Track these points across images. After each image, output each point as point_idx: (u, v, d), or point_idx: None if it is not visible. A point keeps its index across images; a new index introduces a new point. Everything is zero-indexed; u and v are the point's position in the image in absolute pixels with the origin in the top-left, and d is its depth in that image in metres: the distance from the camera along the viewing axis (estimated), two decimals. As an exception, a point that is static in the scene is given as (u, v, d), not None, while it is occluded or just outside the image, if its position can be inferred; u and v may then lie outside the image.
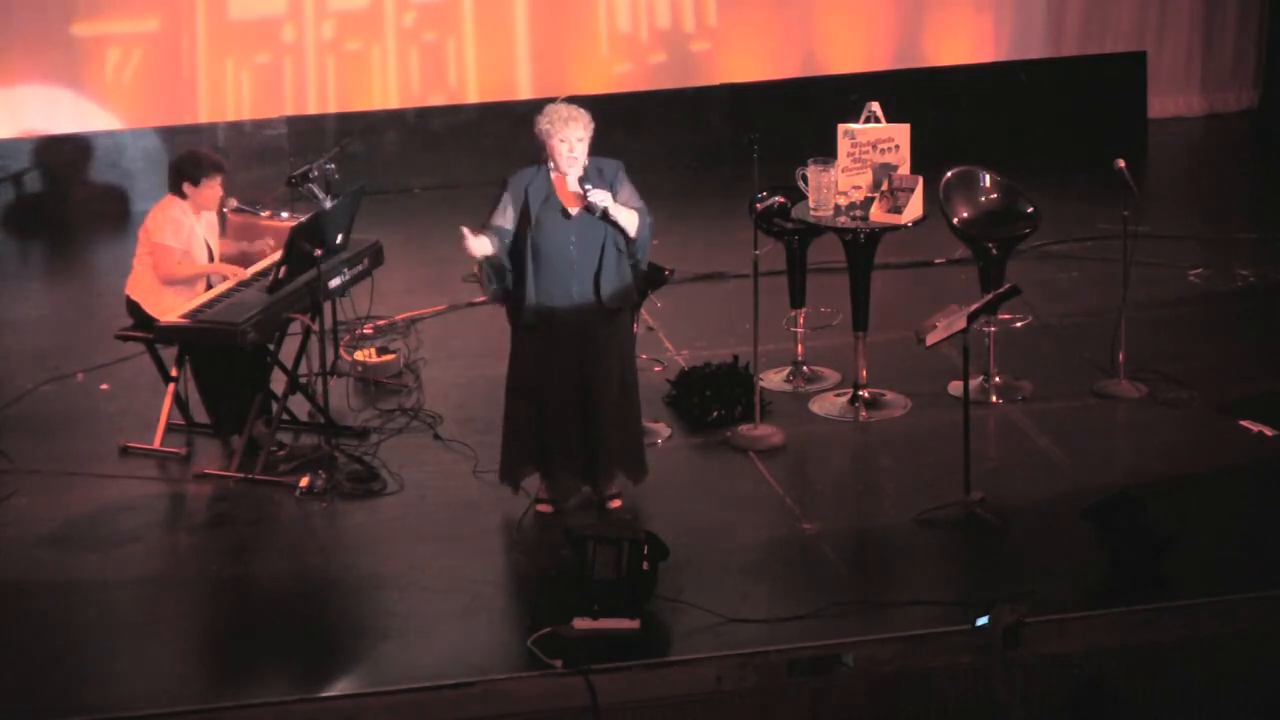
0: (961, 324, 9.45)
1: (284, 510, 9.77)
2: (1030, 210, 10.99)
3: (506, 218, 9.31)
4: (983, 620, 8.38)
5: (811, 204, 10.58)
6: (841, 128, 10.58)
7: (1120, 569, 8.93)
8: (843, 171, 10.52)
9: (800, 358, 11.11)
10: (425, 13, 14.62)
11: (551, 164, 9.30)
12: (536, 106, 9.43)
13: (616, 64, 14.89)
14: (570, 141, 9.24)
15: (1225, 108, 15.98)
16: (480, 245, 9.26)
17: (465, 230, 9.23)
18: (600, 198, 9.21)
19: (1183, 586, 8.83)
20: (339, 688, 8.29)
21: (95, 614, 8.86)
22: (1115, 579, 8.92)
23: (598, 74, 14.74)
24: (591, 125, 9.30)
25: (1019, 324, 11.63)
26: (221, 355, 10.09)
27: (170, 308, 10.15)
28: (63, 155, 14.23)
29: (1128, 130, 15.10)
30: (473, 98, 14.75)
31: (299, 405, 10.50)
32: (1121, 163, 10.71)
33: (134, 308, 10.39)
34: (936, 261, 12.59)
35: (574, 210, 9.29)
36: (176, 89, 14.31)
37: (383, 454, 10.20)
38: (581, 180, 9.26)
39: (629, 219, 9.31)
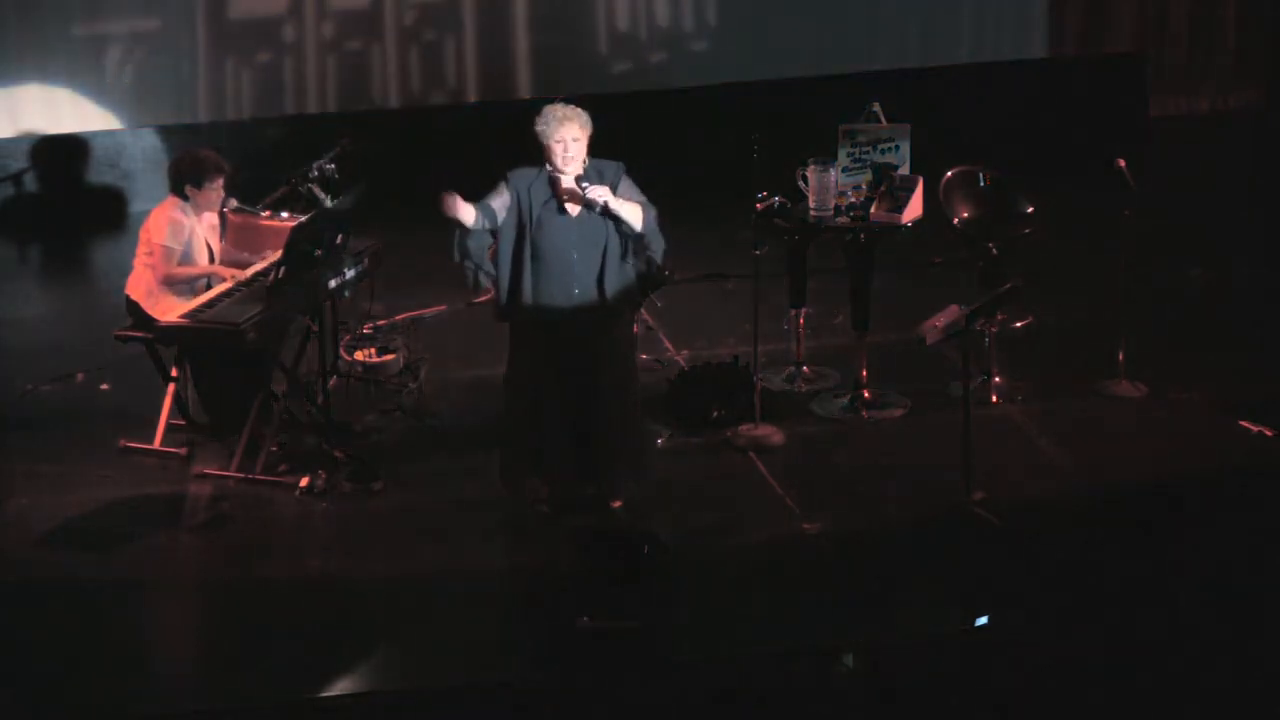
0: (961, 324, 9.45)
1: (284, 510, 9.77)
2: (1030, 210, 10.99)
3: (498, 202, 9.30)
4: (983, 620, 8.38)
5: (811, 204, 10.58)
6: (841, 128, 10.58)
7: (1121, 568, 8.95)
8: (843, 171, 10.52)
9: (800, 358, 11.11)
10: (425, 12, 14.62)
11: (551, 165, 9.30)
12: (536, 106, 9.42)
13: (616, 64, 14.89)
14: (566, 142, 9.21)
15: (1226, 107, 15.98)
16: (464, 211, 9.23)
17: (451, 196, 9.23)
18: (599, 193, 9.20)
19: (1181, 587, 8.83)
20: (339, 688, 8.29)
21: (95, 614, 8.86)
22: (1114, 579, 8.92)
23: (598, 74, 14.74)
24: (589, 126, 9.27)
25: (1019, 324, 11.62)
26: (222, 355, 10.08)
27: (170, 308, 10.15)
28: (63, 155, 14.22)
29: (1128, 130, 15.10)
30: (473, 97, 14.75)
31: (298, 405, 10.49)
32: (1122, 162, 10.71)
33: (134, 308, 10.39)
34: (936, 261, 12.59)
35: (574, 210, 9.29)
36: (176, 89, 14.31)
37: (383, 454, 10.20)
38: (579, 179, 9.25)
39: (631, 212, 9.28)
